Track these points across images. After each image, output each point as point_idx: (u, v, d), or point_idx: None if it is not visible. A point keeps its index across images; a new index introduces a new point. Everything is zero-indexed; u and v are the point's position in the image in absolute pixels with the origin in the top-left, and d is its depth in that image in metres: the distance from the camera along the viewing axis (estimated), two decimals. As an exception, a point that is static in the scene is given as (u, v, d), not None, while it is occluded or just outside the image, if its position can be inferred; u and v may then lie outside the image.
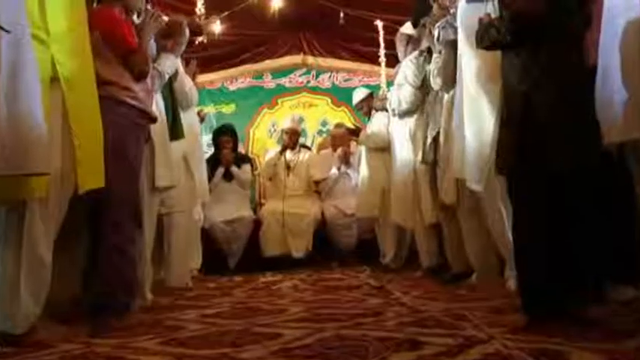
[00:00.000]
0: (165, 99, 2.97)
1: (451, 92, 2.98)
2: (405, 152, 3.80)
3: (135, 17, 2.55)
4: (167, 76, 2.90)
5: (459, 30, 2.66)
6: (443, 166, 3.18)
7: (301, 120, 6.06)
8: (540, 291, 1.75)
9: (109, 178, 2.07)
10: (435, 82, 3.17)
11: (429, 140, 3.28)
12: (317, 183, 5.20)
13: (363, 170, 4.51)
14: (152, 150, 2.67)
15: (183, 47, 3.07)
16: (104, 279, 2.14)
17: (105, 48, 2.23)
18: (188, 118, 3.42)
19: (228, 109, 6.17)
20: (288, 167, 5.18)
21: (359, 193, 4.55)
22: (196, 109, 4.04)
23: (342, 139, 5.11)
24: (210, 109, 5.99)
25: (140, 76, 2.32)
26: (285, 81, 6.24)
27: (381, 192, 4.28)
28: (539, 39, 1.80)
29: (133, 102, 2.29)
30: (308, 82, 6.25)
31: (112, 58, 2.26)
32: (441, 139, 3.14)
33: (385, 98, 4.21)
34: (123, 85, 2.26)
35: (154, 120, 2.45)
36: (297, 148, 5.34)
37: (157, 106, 2.79)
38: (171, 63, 2.89)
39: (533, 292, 1.77)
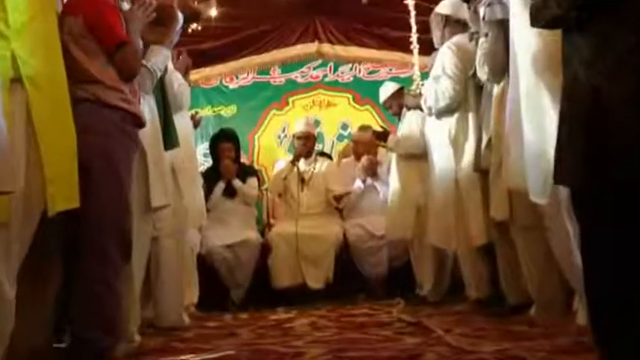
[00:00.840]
0: (156, 101, 2.99)
1: (502, 84, 2.97)
2: (444, 159, 3.79)
3: (124, 4, 2.56)
4: (159, 74, 2.93)
5: (511, 6, 2.63)
6: (492, 176, 3.17)
7: (317, 123, 6.08)
8: (617, 326, 1.70)
9: (93, 197, 2.08)
10: (482, 72, 3.17)
11: (484, 141, 3.27)
12: (337, 199, 5.23)
13: (394, 182, 4.51)
14: (144, 162, 2.70)
15: (177, 38, 3.08)
16: (83, 318, 2.14)
17: (89, 38, 2.24)
18: (179, 123, 3.45)
19: (227, 111, 6.21)
20: (301, 180, 5.20)
21: (389, 211, 4.55)
22: (189, 113, 4.09)
23: (368, 145, 5.13)
24: (206, 112, 6.04)
25: (129, 76, 2.34)
26: (296, 76, 6.28)
27: (416, 208, 4.29)
28: (614, 15, 1.68)
29: (122, 104, 2.29)
30: (324, 76, 6.28)
31: (97, 50, 2.26)
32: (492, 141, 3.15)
33: (419, 94, 4.20)
34: (110, 84, 2.26)
35: (143, 124, 2.47)
36: (313, 156, 5.37)
37: (150, 110, 2.84)
38: (163, 58, 2.92)
39: (608, 327, 1.72)
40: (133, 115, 2.35)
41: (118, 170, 2.27)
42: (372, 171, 5.12)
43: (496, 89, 3.09)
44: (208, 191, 4.82)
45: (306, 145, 5.28)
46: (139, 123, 2.43)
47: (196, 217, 3.88)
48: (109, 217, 2.22)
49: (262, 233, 5.22)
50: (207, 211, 4.51)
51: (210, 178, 4.93)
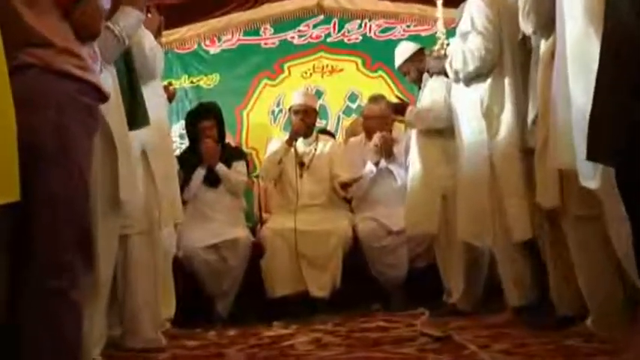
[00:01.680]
0: (118, 70, 2.98)
1: (551, 39, 2.95)
2: (475, 135, 3.79)
3: None
4: (127, 42, 2.93)
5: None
6: (538, 153, 3.16)
7: (319, 94, 6.07)
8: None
9: (42, 187, 2.05)
10: (527, 23, 3.14)
11: (530, 115, 3.27)
12: (345, 187, 5.22)
13: (414, 165, 4.51)
14: (111, 145, 2.71)
15: None
16: (32, 342, 2.08)
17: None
18: (149, 96, 3.45)
19: (208, 81, 6.21)
20: (300, 164, 5.22)
21: (408, 200, 4.56)
22: (161, 84, 4.07)
23: (381, 121, 5.11)
24: (181, 83, 6.05)
25: (89, 36, 2.29)
26: (292, 36, 6.26)
27: (442, 196, 4.31)
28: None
29: (79, 72, 2.22)
30: (327, 35, 6.26)
31: (49, 5, 2.20)
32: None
33: (444, 56, 4.15)
34: (62, 46, 2.19)
35: (105, 98, 2.41)
36: (314, 135, 5.38)
37: (112, 79, 2.82)
38: (135, 22, 2.91)
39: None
40: (93, 85, 2.28)
41: (74, 153, 2.20)
42: (386, 151, 5.08)
43: (542, 46, 3.08)
44: (185, 179, 4.84)
45: (306, 120, 5.24)
46: (101, 96, 2.35)
47: (171, 211, 3.87)
48: (64, 213, 2.15)
49: (253, 230, 5.23)
50: (184, 203, 4.52)
51: (188, 163, 4.93)
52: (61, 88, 2.19)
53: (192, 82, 6.15)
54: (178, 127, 5.76)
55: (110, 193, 2.70)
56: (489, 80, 3.72)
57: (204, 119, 5.08)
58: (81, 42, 2.26)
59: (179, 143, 5.67)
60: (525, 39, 3.49)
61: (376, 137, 5.11)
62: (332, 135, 5.84)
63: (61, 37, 2.21)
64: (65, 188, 2.17)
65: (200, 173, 4.98)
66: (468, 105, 3.85)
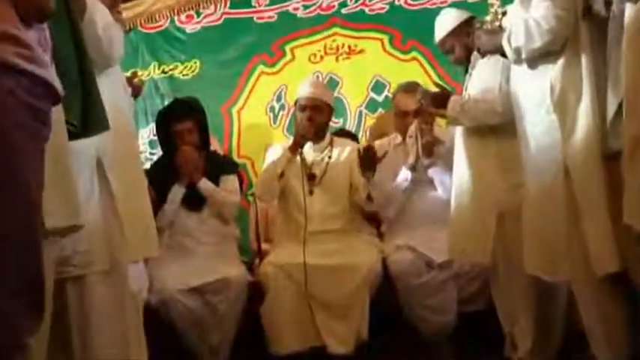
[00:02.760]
0: (64, 57, 2.98)
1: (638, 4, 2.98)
2: (544, 133, 3.78)
3: None
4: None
5: None
6: (626, 158, 3.14)
7: (333, 83, 6.12)
8: None
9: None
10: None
11: (611, 108, 3.28)
12: (368, 203, 5.23)
13: (460, 174, 4.47)
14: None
15: None
16: None
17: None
18: (107, 91, 3.44)
19: (186, 70, 6.29)
20: (310, 177, 5.22)
21: (453, 219, 4.53)
22: (122, 75, 4.08)
23: (418, 116, 5.08)
24: (150, 73, 6.15)
25: (38, 15, 2.32)
26: (295, 7, 6.34)
27: (497, 214, 4.27)
28: None
29: (27, 65, 2.24)
30: (342, 4, 6.32)
31: None
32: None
33: (499, 29, 4.13)
34: (5, 31, 2.22)
35: (57, 97, 2.44)
36: (328, 138, 5.38)
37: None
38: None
39: None
40: (41, 81, 2.31)
41: (16, 170, 2.23)
42: (427, 149, 5.09)
43: (630, 11, 3.08)
44: (158, 200, 4.88)
45: (316, 119, 5.22)
46: (54, 96, 2.40)
47: (141, 243, 3.89)
48: (7, 247, 2.18)
49: (250, 267, 5.25)
50: (158, 231, 4.46)
51: (161, 178, 4.96)
52: (5, 86, 2.19)
53: (163, 71, 6.22)
54: (147, 132, 5.90)
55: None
56: (562, 60, 3.71)
57: (181, 120, 5.07)
58: (26, 25, 2.28)
59: (149, 153, 5.85)
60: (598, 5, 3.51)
61: (413, 127, 5.16)
62: (352, 137, 5.82)
63: (3, 20, 2.25)
64: (6, 215, 2.19)
65: (177, 192, 5.00)
66: (533, 93, 3.82)
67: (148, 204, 4.10)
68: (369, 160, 5.11)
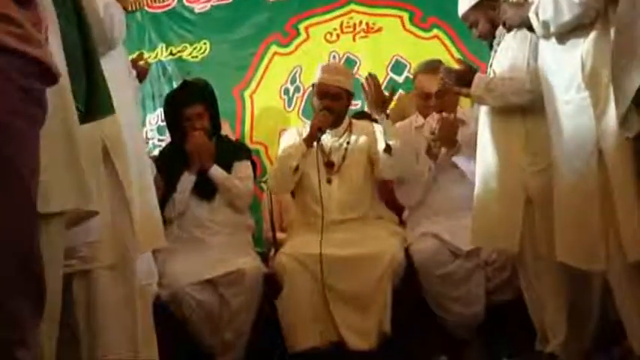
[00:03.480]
0: (66, 38, 2.90)
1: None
2: (575, 114, 3.72)
3: None
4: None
5: None
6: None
7: (350, 63, 6.15)
8: None
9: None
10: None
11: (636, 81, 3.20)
12: (389, 189, 5.30)
13: (485, 157, 4.42)
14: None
15: None
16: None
17: None
18: (111, 74, 3.35)
19: (195, 51, 6.33)
20: (328, 165, 5.20)
21: (478, 205, 4.49)
22: (127, 57, 4.12)
23: (442, 98, 5.12)
24: (157, 55, 6.24)
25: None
26: (310, -18, 6.43)
27: (525, 199, 4.22)
28: None
29: (16, 43, 2.22)
30: (360, -21, 6.37)
31: None
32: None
33: (525, 2, 4.05)
34: None
35: (55, 78, 2.41)
36: (346, 122, 5.35)
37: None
38: None
39: None
40: (36, 61, 2.28)
41: (11, 157, 2.21)
42: (448, 140, 5.08)
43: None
44: (167, 189, 4.93)
45: (334, 107, 5.19)
46: (50, 76, 2.37)
47: (149, 234, 3.90)
48: (4, 242, 2.17)
49: (265, 258, 5.24)
50: (166, 223, 4.54)
51: (170, 166, 4.97)
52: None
53: (171, 53, 6.29)
54: (155, 117, 5.96)
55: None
56: (593, 34, 3.63)
57: (191, 104, 5.05)
58: (18, 3, 2.26)
59: (157, 140, 5.90)
60: None
61: (431, 120, 5.17)
62: (372, 119, 5.71)
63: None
64: (5, 213, 2.19)
65: (188, 180, 5.00)
66: (562, 70, 3.77)
67: (153, 192, 4.09)
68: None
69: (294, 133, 5.35)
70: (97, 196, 3.16)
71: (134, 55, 4.66)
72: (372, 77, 5.14)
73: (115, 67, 3.64)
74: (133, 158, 3.74)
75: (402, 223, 5.31)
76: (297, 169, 5.14)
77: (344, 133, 5.29)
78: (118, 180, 3.48)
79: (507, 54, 4.37)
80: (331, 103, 5.18)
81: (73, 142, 2.87)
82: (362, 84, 5.23)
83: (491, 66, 4.49)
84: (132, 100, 4.00)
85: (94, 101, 3.03)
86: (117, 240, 3.44)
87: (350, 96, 5.37)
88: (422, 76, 5.38)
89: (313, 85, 5.38)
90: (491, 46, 4.59)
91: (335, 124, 5.24)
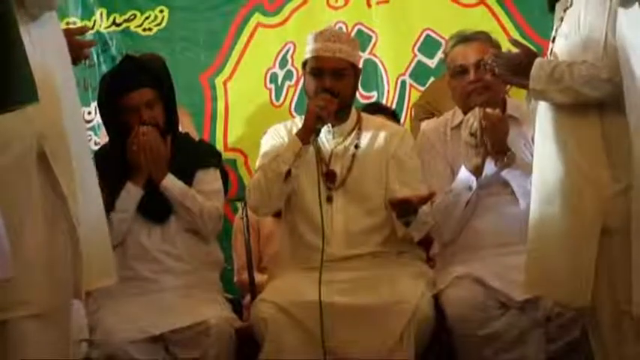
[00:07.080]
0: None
1: None
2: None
3: None
4: None
5: None
6: None
7: (363, 38, 6.25)
8: None
9: None
10: None
11: None
12: (401, 206, 4.82)
13: (545, 169, 4.25)
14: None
15: None
16: None
17: None
18: (35, 50, 3.42)
19: (148, 22, 6.62)
20: (328, 177, 4.95)
21: (533, 237, 4.30)
22: (60, 26, 3.89)
23: (487, 87, 4.96)
24: (100, 26, 6.54)
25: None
26: None
27: (601, 228, 4.01)
28: None
29: None
30: None
31: None
32: None
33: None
34: None
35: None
36: (354, 116, 5.06)
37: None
38: None
39: None
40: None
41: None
42: (496, 144, 4.82)
43: None
44: (108, 203, 4.50)
45: (336, 91, 4.83)
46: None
47: (95, 265, 3.82)
48: None
49: (238, 307, 5.27)
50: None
51: (105, 176, 4.62)
52: None
53: (115, 22, 6.52)
54: (89, 112, 6.22)
55: None
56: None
57: (136, 88, 4.88)
58: None
59: (94, 143, 6.08)
60: None
61: (472, 116, 4.86)
62: (391, 115, 5.70)
63: None
64: None
65: (131, 196, 4.89)
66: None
67: (101, 209, 3.98)
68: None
69: (281, 130, 5.14)
70: (28, 218, 3.33)
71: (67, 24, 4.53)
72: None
73: (43, 41, 3.65)
74: (80, 164, 3.73)
75: (429, 260, 5.09)
76: (288, 175, 4.89)
77: (351, 133, 5.05)
78: (61, 193, 3.50)
79: (578, 23, 4.17)
80: (333, 83, 4.91)
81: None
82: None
83: (553, 41, 4.31)
84: (70, 84, 3.90)
85: (9, 84, 3.01)
86: (51, 281, 3.44)
87: (357, 73, 5.10)
88: (457, 48, 5.27)
89: (305, 63, 5.05)
90: (554, 19, 4.36)
91: (338, 117, 4.97)
